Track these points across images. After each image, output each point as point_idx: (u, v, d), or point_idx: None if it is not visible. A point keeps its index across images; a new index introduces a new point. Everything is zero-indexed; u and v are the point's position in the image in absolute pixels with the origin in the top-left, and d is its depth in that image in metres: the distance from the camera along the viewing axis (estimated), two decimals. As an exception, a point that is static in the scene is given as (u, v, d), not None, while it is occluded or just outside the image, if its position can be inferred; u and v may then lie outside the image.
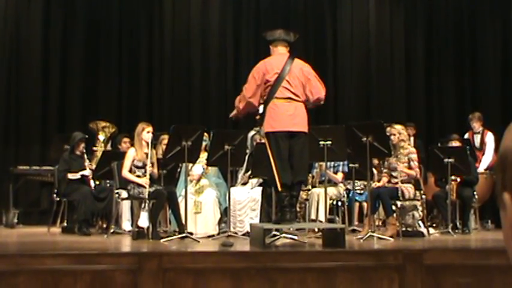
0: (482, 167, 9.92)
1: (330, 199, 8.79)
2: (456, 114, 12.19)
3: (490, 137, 10.10)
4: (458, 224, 8.88)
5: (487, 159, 10.02)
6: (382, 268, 5.76)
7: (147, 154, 7.94)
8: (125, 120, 11.48)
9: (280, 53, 6.90)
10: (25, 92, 11.45)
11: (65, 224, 9.33)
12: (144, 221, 8.26)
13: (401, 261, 5.75)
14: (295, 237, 7.33)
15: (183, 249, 6.59)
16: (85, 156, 9.15)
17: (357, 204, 9.35)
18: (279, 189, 6.74)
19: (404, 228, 8.09)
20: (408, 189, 8.05)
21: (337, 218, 9.08)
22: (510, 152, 0.95)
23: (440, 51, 12.63)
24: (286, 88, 6.66)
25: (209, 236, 8.03)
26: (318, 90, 6.88)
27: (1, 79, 11.36)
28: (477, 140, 10.25)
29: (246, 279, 5.59)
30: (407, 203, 8.18)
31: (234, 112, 7.23)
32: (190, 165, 8.54)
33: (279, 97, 6.66)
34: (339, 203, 9.04)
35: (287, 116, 6.62)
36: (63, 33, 11.76)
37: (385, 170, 8.39)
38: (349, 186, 9.11)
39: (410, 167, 8.11)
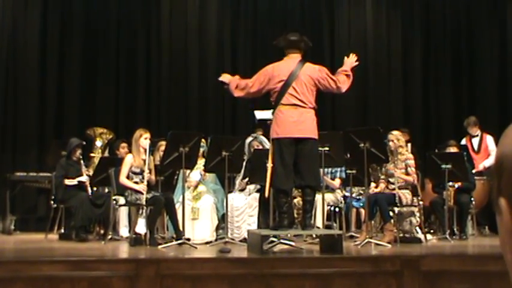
0: (485, 164, 9.90)
1: (328, 205, 8.80)
2: (453, 120, 12.20)
3: (490, 140, 10.11)
4: (455, 230, 8.88)
5: (491, 159, 9.95)
6: (380, 274, 5.76)
7: (144, 160, 7.94)
8: (122, 126, 11.47)
9: (291, 57, 6.86)
10: (22, 98, 11.44)
11: (62, 231, 9.32)
12: (141, 227, 8.25)
13: (399, 267, 5.75)
14: (293, 244, 7.33)
15: (181, 256, 6.59)
16: (82, 162, 9.15)
17: (354, 210, 9.34)
18: (266, 195, 6.80)
19: (401, 234, 8.10)
20: (405, 195, 8.06)
21: (334, 224, 9.08)
22: (506, 157, 0.96)
23: (437, 58, 12.65)
24: (292, 95, 6.65)
25: (207, 242, 8.02)
26: (333, 89, 6.91)
27: (-2, 85, 11.38)
28: (475, 143, 10.26)
29: (244, 286, 5.59)
30: (404, 209, 8.18)
31: (228, 86, 7.08)
32: (188, 171, 8.54)
33: (284, 103, 6.65)
34: (337, 209, 9.04)
35: (291, 122, 6.61)
36: (60, 39, 11.77)
37: (382, 176, 8.39)
38: (347, 193, 9.11)
39: (407, 173, 8.12)
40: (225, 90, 7.39)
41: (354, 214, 9.34)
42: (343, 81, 6.91)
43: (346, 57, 7.18)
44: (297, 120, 6.61)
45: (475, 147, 10.23)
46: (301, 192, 6.98)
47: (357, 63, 7.10)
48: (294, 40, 6.92)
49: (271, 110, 6.94)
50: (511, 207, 0.94)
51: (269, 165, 6.77)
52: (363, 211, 8.91)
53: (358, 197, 9.37)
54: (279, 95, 6.67)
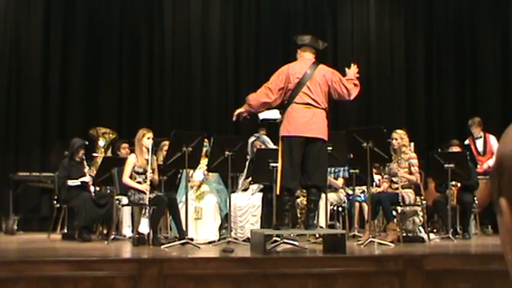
0: (489, 163, 9.87)
1: (331, 205, 8.80)
2: (456, 120, 12.20)
3: (494, 140, 10.09)
4: (458, 229, 8.88)
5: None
6: (383, 273, 5.76)
7: (147, 160, 7.94)
8: (125, 126, 11.49)
9: (306, 58, 6.90)
10: (25, 98, 11.45)
11: (65, 231, 9.32)
12: (144, 227, 8.25)
13: (402, 267, 5.75)
14: (296, 243, 7.33)
15: (184, 256, 6.59)
16: (85, 162, 9.15)
17: (357, 205, 9.29)
18: (277, 193, 6.80)
19: (404, 234, 8.09)
20: (408, 195, 8.05)
21: (337, 224, 9.08)
22: (506, 157, 0.95)
23: (440, 57, 12.65)
24: (306, 94, 6.66)
25: (210, 242, 8.02)
26: (344, 95, 6.89)
27: (1, 85, 11.37)
28: (479, 145, 10.23)
29: (247, 285, 5.59)
30: (407, 208, 8.18)
31: (242, 109, 7.08)
32: (191, 171, 8.54)
33: (298, 102, 6.66)
34: (340, 209, 9.04)
35: (303, 121, 6.61)
36: (63, 39, 11.79)
37: (385, 176, 8.39)
38: (350, 191, 9.11)
39: (410, 172, 8.12)
40: (245, 119, 7.30)
41: (357, 213, 9.32)
42: (351, 88, 6.93)
43: (347, 68, 7.17)
44: (309, 120, 6.62)
45: (480, 149, 10.20)
46: (307, 191, 6.98)
47: (358, 74, 7.10)
48: (312, 38, 6.99)
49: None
50: (511, 207, 0.94)
51: (279, 163, 6.77)
52: (366, 208, 8.88)
53: (361, 194, 9.35)
54: (293, 94, 6.69)
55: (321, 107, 6.72)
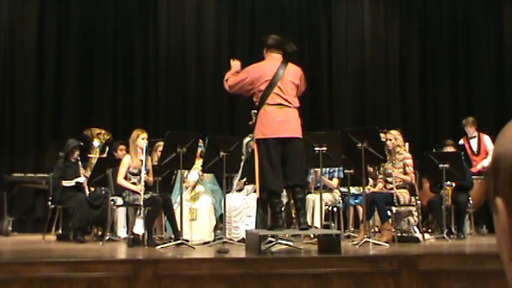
0: (483, 163, 9.89)
1: (326, 205, 8.80)
2: (451, 120, 12.21)
3: (487, 139, 10.11)
4: (453, 229, 8.89)
5: (489, 159, 9.93)
6: (378, 274, 5.76)
7: (142, 161, 7.93)
8: (120, 126, 11.45)
9: (274, 58, 6.90)
10: (20, 98, 11.42)
11: (60, 232, 9.31)
12: (139, 228, 8.23)
13: (397, 267, 5.75)
14: (291, 244, 7.33)
15: (179, 256, 6.59)
16: (80, 163, 9.14)
17: (352, 208, 9.31)
18: (257, 196, 6.83)
19: (399, 234, 8.10)
20: (403, 195, 8.06)
21: (332, 224, 9.08)
22: (502, 156, 0.95)
23: (434, 58, 12.66)
24: (277, 94, 6.66)
25: (205, 243, 8.01)
26: (300, 92, 6.99)
27: (-5, 86, 11.36)
28: (474, 144, 10.25)
29: (242, 286, 5.59)
30: (402, 208, 8.19)
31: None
32: (186, 171, 8.54)
33: (270, 103, 6.66)
34: (335, 209, 9.04)
35: (277, 122, 6.61)
36: (58, 40, 11.75)
37: (380, 176, 8.40)
38: (344, 189, 9.11)
39: (405, 173, 8.13)
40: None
41: (352, 213, 9.33)
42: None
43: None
44: (283, 120, 6.63)
45: (474, 149, 10.22)
46: (291, 192, 6.98)
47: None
48: (282, 39, 7.00)
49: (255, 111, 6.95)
50: (507, 207, 0.94)
51: (256, 167, 6.78)
52: (360, 209, 8.90)
53: (356, 194, 9.34)
54: (264, 95, 6.69)
55: (293, 106, 6.73)
